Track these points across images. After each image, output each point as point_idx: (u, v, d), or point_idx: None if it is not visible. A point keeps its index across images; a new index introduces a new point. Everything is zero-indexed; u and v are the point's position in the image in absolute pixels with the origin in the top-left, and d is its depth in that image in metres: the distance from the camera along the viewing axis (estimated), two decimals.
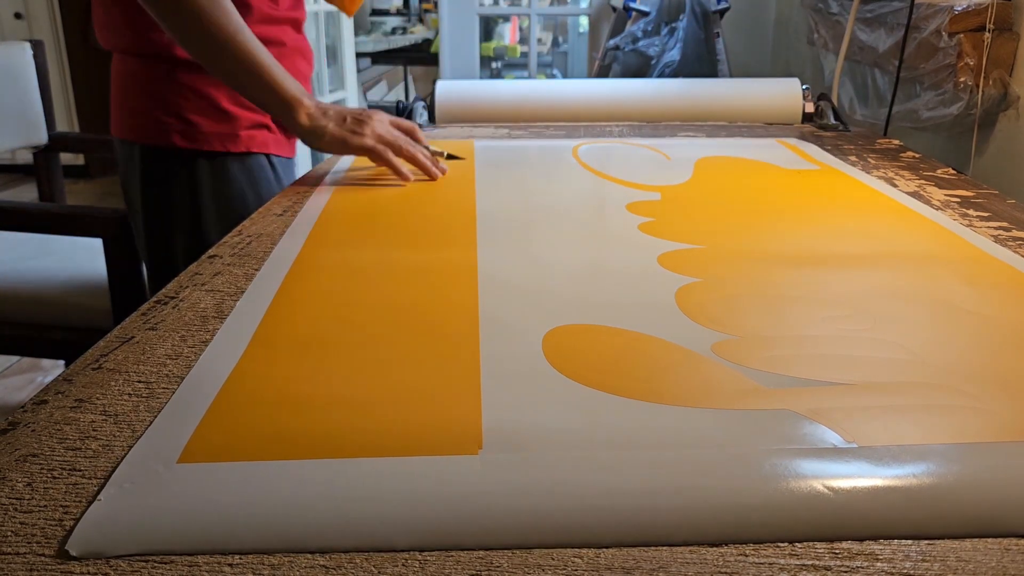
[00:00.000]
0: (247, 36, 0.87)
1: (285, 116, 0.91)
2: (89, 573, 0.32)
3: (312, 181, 0.92)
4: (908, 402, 0.44)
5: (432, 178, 0.92)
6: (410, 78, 5.03)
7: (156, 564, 0.33)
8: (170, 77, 0.95)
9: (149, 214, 1.00)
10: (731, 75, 2.06)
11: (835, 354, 0.50)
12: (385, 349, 0.51)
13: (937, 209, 0.81)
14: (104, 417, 0.43)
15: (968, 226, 0.75)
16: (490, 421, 0.42)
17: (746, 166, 1.00)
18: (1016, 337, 0.53)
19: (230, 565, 0.33)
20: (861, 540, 0.34)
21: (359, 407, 0.44)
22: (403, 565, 0.33)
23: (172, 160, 0.97)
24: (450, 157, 0.99)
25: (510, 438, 0.40)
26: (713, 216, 0.80)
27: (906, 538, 0.34)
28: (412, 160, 0.92)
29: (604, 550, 0.34)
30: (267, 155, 1.01)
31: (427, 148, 0.96)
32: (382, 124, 0.93)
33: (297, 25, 1.04)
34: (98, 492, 0.37)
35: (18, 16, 3.59)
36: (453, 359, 0.49)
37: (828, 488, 0.37)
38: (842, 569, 0.33)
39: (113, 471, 0.39)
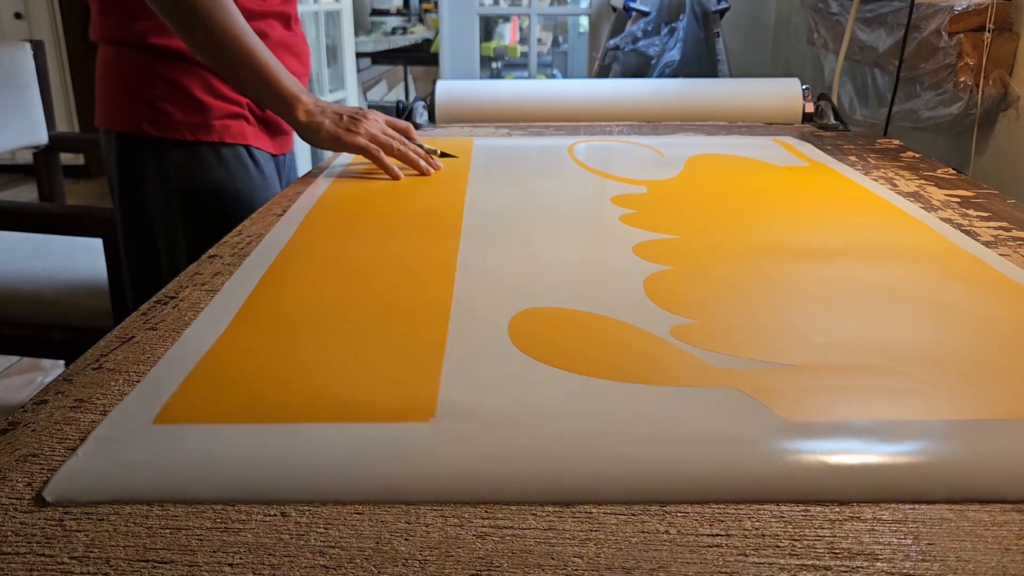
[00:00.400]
0: (247, 33, 0.88)
1: (283, 113, 0.92)
2: (89, 573, 0.32)
3: (313, 177, 0.92)
4: (849, 383, 0.46)
5: (424, 174, 0.93)
6: (410, 78, 5.03)
7: (156, 564, 0.33)
8: (143, 65, 0.95)
9: (125, 204, 1.00)
10: (731, 75, 2.06)
11: (788, 337, 0.52)
12: (357, 329, 0.53)
13: (936, 209, 0.81)
14: (104, 417, 0.43)
15: (968, 226, 0.75)
16: (447, 394, 0.45)
17: (736, 163, 1.01)
18: (977, 326, 0.54)
19: (230, 565, 0.33)
20: (776, 503, 0.37)
21: (325, 379, 0.47)
22: (403, 565, 0.33)
23: (145, 149, 0.97)
24: (444, 155, 1.00)
25: (463, 409, 0.43)
26: (695, 209, 0.81)
27: (825, 503, 0.37)
28: (403, 159, 0.93)
29: (604, 549, 0.34)
30: (247, 147, 1.00)
31: (421, 146, 0.97)
32: (376, 124, 0.94)
33: (285, 20, 1.03)
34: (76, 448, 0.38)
35: (18, 16, 3.59)
36: (420, 339, 0.52)
37: (754, 457, 0.39)
38: (842, 569, 0.33)
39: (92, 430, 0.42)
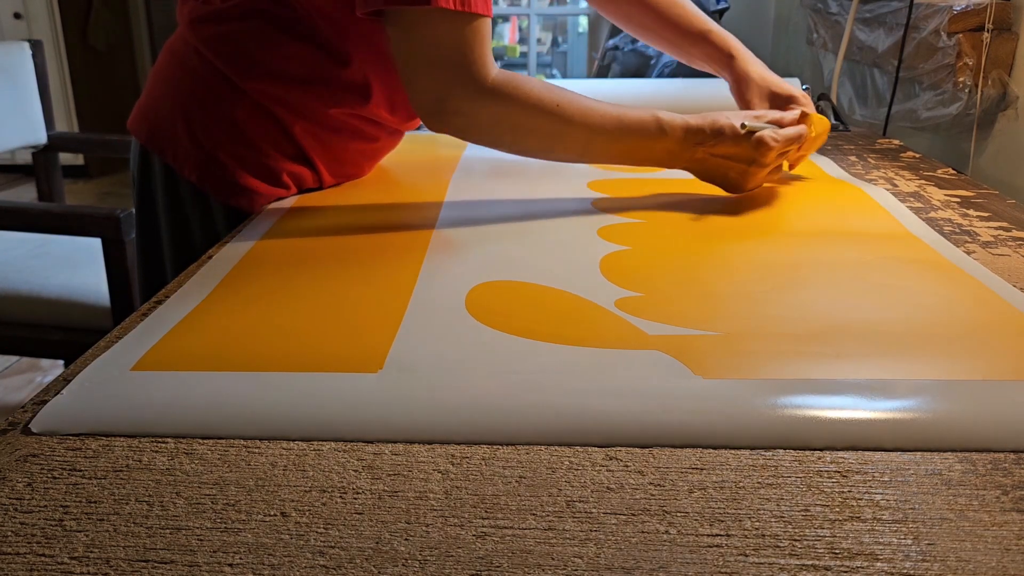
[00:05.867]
0: (599, 146, 0.77)
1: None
2: (89, 573, 0.32)
3: None
4: (766, 348, 0.50)
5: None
6: None
7: (156, 564, 0.33)
8: (229, 102, 0.79)
9: (139, 205, 0.89)
10: None
11: (724, 309, 0.56)
12: (327, 296, 0.58)
13: (936, 209, 0.81)
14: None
15: (968, 226, 0.75)
16: (397, 350, 0.49)
17: None
18: (907, 303, 0.57)
19: (230, 565, 0.33)
20: (678, 447, 0.41)
21: (291, 336, 0.52)
22: (403, 565, 0.33)
23: (168, 169, 0.83)
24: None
25: (408, 363, 0.48)
26: (665, 195, 0.84)
27: (717, 447, 0.41)
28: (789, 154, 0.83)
29: (604, 549, 0.34)
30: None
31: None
32: (768, 160, 0.78)
33: (401, 133, 0.92)
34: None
35: (17, 16, 3.59)
36: (382, 305, 0.56)
37: (663, 408, 0.43)
38: (842, 569, 0.33)
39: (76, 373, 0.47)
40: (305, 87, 0.79)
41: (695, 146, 0.78)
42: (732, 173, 0.79)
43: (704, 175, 0.81)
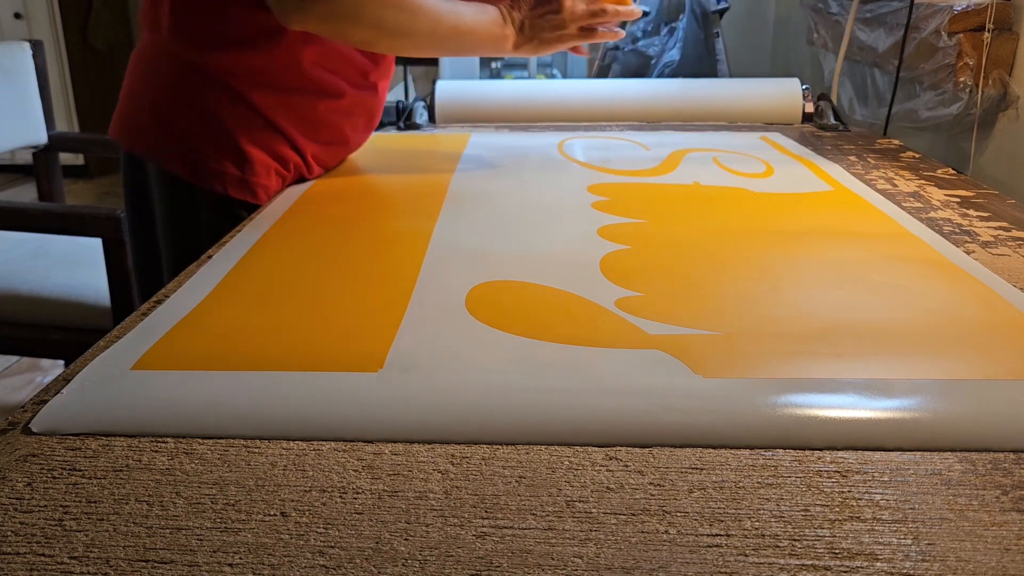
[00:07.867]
0: (440, 31, 0.82)
1: (499, 53, 0.91)
2: (89, 573, 0.32)
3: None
4: (766, 348, 0.50)
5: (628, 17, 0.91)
6: (410, 78, 5.02)
7: (156, 564, 0.33)
8: (197, 96, 0.82)
9: (130, 206, 0.91)
10: (731, 75, 2.06)
11: (725, 309, 0.56)
12: (328, 295, 0.58)
13: (936, 209, 0.81)
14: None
15: (968, 226, 0.75)
16: (397, 350, 0.49)
17: (714, 156, 1.03)
18: (906, 302, 0.57)
19: (230, 565, 0.33)
20: (678, 447, 0.41)
21: (291, 336, 0.52)
22: (403, 565, 0.33)
23: (153, 171, 0.87)
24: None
25: (409, 363, 0.48)
26: (664, 195, 0.85)
27: (717, 447, 0.41)
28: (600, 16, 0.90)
29: (604, 549, 0.34)
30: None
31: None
32: (572, 16, 0.88)
33: (373, 88, 0.95)
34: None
35: (18, 16, 3.59)
36: (383, 304, 0.56)
37: (664, 408, 0.43)
38: (842, 569, 0.33)
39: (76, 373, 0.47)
40: (250, 48, 0.81)
41: (521, 18, 0.87)
42: (547, 27, 0.86)
43: (538, 44, 0.88)
